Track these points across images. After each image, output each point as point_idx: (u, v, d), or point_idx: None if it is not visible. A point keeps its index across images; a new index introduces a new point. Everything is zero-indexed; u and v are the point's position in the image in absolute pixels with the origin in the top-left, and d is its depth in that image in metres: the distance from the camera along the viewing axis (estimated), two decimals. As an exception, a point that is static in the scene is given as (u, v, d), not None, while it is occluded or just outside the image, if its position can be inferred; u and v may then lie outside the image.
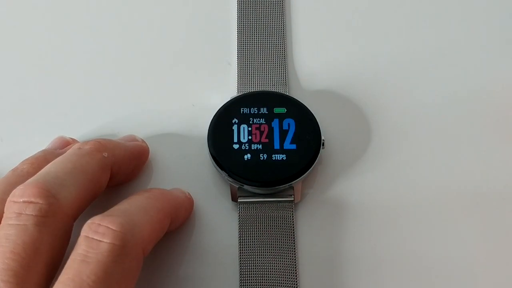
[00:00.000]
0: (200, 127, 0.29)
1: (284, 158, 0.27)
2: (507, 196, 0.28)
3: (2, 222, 0.22)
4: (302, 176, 0.27)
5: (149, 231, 0.23)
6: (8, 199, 0.22)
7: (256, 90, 0.30)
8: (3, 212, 0.22)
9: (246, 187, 0.27)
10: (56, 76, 0.32)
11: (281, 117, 0.28)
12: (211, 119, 0.28)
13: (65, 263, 0.21)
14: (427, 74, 0.32)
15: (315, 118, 0.28)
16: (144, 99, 0.31)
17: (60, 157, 0.25)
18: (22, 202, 0.22)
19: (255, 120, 0.28)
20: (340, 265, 0.27)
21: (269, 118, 0.28)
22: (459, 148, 0.30)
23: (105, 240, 0.21)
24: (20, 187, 0.22)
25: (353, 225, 0.28)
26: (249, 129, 0.28)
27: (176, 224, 0.26)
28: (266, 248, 0.26)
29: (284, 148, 0.27)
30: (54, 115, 0.30)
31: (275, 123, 0.28)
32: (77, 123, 0.30)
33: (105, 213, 0.22)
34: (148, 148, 0.29)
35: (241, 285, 0.26)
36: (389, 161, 0.29)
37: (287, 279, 0.26)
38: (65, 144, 0.28)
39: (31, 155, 0.26)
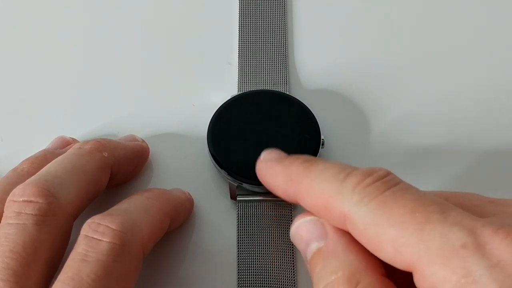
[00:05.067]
0: (200, 127, 0.29)
1: (284, 157, 0.27)
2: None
3: (2, 221, 0.22)
4: (301, 175, 0.27)
5: (149, 231, 0.23)
6: (8, 198, 0.22)
7: (257, 89, 0.30)
8: (3, 212, 0.22)
9: (245, 185, 0.27)
10: (56, 76, 0.32)
11: (281, 116, 0.28)
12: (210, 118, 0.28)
13: (65, 262, 0.21)
14: (427, 74, 0.32)
15: (315, 118, 0.28)
16: (144, 99, 0.31)
17: (60, 156, 0.25)
18: (21, 202, 0.22)
19: (254, 119, 0.28)
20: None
21: (269, 117, 0.28)
22: (459, 148, 0.30)
23: (105, 239, 0.21)
24: (20, 186, 0.22)
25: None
26: (249, 127, 0.28)
27: (176, 224, 0.26)
28: (265, 247, 0.26)
29: (284, 147, 0.27)
30: (54, 115, 0.31)
31: (275, 122, 0.28)
32: (77, 123, 0.30)
33: (105, 212, 0.22)
34: (148, 148, 0.29)
35: (239, 283, 0.26)
36: (388, 161, 0.29)
37: (285, 278, 0.26)
38: (65, 144, 0.28)
39: (31, 155, 0.26)
